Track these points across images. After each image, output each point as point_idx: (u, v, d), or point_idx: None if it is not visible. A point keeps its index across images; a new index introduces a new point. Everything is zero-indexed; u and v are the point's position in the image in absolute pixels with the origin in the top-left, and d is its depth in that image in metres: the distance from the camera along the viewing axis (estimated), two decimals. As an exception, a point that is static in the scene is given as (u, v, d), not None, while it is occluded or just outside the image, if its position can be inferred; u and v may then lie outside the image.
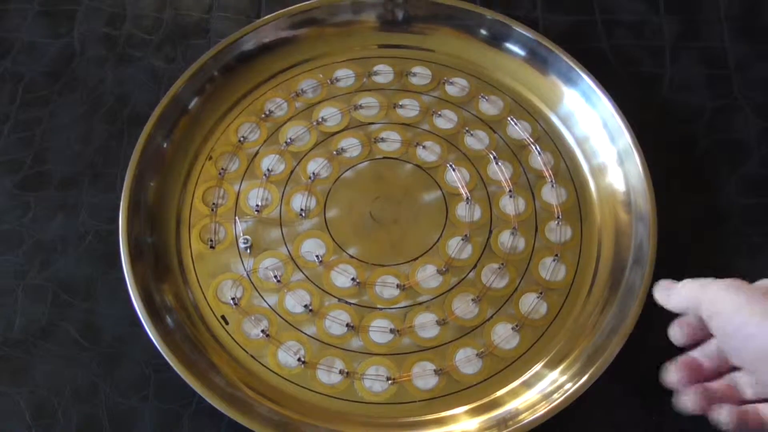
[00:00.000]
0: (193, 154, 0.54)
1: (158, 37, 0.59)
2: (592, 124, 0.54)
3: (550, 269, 0.50)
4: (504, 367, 0.47)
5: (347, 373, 0.47)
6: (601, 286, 0.50)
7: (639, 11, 0.61)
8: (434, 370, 0.47)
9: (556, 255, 0.51)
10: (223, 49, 0.55)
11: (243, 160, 0.53)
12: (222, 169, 0.53)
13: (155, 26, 0.60)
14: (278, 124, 0.55)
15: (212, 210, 0.52)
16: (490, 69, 0.58)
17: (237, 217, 0.51)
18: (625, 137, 0.51)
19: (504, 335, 0.48)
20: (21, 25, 0.60)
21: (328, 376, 0.47)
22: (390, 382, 0.47)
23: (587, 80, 0.54)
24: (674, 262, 0.47)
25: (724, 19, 0.61)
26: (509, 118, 0.55)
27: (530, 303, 0.49)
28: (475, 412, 0.46)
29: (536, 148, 0.54)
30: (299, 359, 0.47)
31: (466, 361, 0.47)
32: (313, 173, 0.53)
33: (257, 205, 0.52)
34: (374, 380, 0.47)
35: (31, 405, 0.47)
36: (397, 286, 0.49)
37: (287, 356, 0.47)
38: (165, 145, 0.53)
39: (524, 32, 0.56)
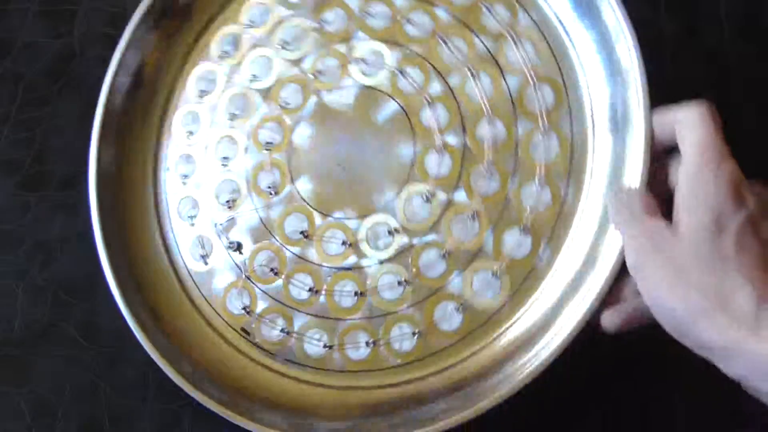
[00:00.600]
0: (151, 170, 0.50)
1: (158, 37, 0.59)
2: None
3: (541, 148, 0.44)
4: (524, 279, 0.43)
5: (374, 342, 0.45)
6: (602, 129, 0.44)
7: (639, 11, 0.61)
8: (455, 308, 0.44)
9: (544, 127, 0.44)
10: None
11: (198, 157, 0.50)
12: (183, 175, 0.50)
13: (155, 26, 0.60)
14: (215, 103, 0.50)
15: (191, 224, 0.49)
16: None
17: (215, 222, 0.48)
18: None
19: (514, 243, 0.44)
20: (21, 25, 0.60)
21: (356, 351, 0.45)
22: (416, 335, 0.44)
23: None
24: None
25: (724, 19, 0.61)
26: None
27: (532, 194, 0.44)
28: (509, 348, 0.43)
29: (485, 5, 0.46)
30: (324, 345, 0.45)
31: (485, 285, 0.44)
32: (267, 143, 0.48)
33: (227, 201, 0.48)
34: (401, 340, 0.44)
35: (31, 405, 0.47)
36: (389, 232, 0.46)
37: (312, 346, 0.45)
38: (116, 169, 0.50)
39: None
